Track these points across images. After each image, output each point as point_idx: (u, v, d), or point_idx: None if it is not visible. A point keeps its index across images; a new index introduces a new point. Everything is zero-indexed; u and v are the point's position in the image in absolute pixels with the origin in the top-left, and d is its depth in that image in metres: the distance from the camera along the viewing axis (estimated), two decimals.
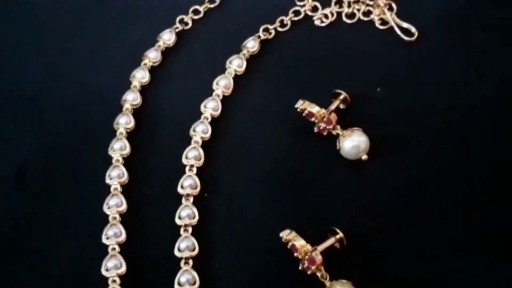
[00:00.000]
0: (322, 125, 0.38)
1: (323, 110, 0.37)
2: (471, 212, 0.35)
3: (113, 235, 0.34)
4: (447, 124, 0.39)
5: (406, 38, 0.42)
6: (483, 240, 0.34)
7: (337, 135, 0.37)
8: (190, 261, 0.33)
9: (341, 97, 0.38)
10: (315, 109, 0.37)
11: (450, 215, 0.35)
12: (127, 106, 0.40)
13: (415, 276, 0.33)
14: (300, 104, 0.38)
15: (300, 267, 0.32)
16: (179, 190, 0.36)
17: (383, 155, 0.37)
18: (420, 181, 0.37)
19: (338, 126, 0.37)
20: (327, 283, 0.31)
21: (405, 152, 0.37)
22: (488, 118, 0.39)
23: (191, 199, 0.36)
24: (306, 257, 0.31)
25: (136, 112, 0.40)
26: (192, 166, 0.37)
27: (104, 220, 0.35)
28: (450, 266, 0.33)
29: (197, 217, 0.35)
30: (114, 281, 0.33)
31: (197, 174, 0.37)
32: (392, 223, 0.35)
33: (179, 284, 0.32)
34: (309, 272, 0.32)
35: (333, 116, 0.37)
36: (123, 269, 0.33)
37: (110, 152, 0.38)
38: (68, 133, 0.39)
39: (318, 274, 0.32)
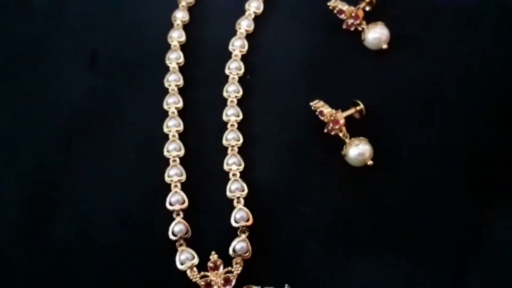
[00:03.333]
0: (350, 21, 0.44)
1: (352, 7, 0.44)
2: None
3: (172, 102, 0.42)
4: (461, 24, 0.44)
5: None
6: None
7: (362, 30, 0.43)
8: (235, 124, 0.41)
9: None
10: (345, 6, 0.44)
11: (457, 102, 0.42)
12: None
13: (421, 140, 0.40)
14: (332, 2, 0.44)
15: (325, 130, 0.39)
16: (226, 71, 0.43)
17: (401, 48, 0.43)
18: (434, 74, 0.43)
19: (364, 22, 0.44)
20: (347, 140, 0.38)
21: (421, 48, 0.43)
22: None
23: (236, 77, 0.43)
24: (331, 118, 0.38)
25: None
26: (237, 53, 0.44)
27: (164, 91, 0.42)
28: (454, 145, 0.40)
29: (241, 92, 0.42)
30: (172, 143, 0.40)
31: (242, 59, 0.44)
32: (404, 102, 0.41)
33: (226, 139, 0.40)
34: (333, 133, 0.39)
35: (360, 12, 0.43)
36: (181, 127, 0.41)
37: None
38: (135, 25, 0.46)
39: (340, 134, 0.39)
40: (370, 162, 0.38)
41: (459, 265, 0.36)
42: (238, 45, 0.44)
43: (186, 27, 0.46)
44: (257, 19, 0.46)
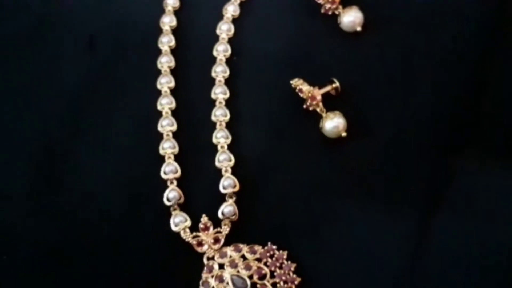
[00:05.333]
0: (328, 5, 0.47)
1: None
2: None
3: (165, 82, 0.46)
4: (432, 7, 0.48)
5: None
6: None
7: (339, 13, 0.47)
8: (223, 101, 0.45)
9: None
10: None
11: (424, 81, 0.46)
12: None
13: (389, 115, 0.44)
14: None
15: (304, 106, 0.43)
16: (214, 53, 0.47)
17: (374, 30, 0.47)
18: (404, 54, 0.46)
19: (340, 6, 0.47)
20: (324, 114, 0.42)
21: (393, 29, 0.47)
22: None
23: (224, 59, 0.47)
24: (309, 94, 0.42)
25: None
26: (224, 36, 0.48)
27: (157, 72, 0.46)
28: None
29: (228, 72, 0.46)
30: (165, 119, 0.44)
31: (228, 42, 0.48)
32: (375, 80, 0.45)
33: (214, 115, 0.44)
34: (311, 108, 0.43)
35: None
36: (173, 105, 0.44)
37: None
38: (129, 11, 0.49)
39: (318, 109, 0.43)
40: (344, 134, 0.42)
41: (428, 210, 0.40)
42: (225, 29, 0.48)
43: (176, 12, 0.49)
44: (242, 4, 0.49)
